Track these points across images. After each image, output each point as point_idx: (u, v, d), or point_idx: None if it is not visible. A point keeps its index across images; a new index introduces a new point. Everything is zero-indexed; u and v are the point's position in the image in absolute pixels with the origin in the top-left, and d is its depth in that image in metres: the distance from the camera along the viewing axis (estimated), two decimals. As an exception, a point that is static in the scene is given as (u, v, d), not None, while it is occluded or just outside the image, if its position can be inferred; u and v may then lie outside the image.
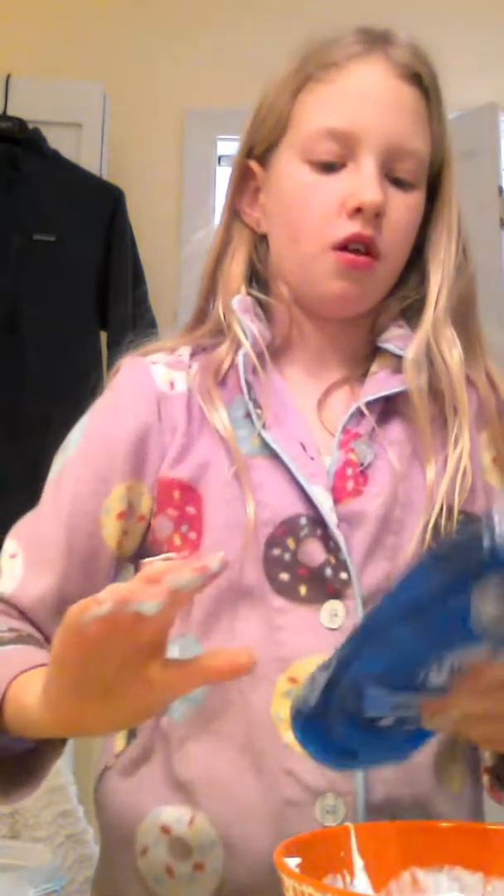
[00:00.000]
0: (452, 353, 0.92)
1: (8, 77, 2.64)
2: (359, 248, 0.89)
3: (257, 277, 0.98)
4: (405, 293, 0.96)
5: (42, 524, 0.91)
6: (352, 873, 0.58)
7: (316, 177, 0.90)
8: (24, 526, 0.93)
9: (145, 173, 2.79)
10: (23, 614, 0.88)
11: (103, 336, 2.58)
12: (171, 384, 0.94)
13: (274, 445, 0.88)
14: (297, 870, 0.53)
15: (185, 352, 0.97)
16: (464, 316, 0.96)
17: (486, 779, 0.91)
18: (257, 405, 0.90)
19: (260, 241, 0.98)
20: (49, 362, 2.48)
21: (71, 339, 2.53)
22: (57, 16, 2.85)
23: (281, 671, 0.84)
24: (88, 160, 2.67)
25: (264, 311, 0.96)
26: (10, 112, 2.60)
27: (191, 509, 0.89)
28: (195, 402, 0.92)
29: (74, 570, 0.89)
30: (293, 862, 0.53)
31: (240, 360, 0.92)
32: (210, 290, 1.00)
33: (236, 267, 0.98)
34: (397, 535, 0.88)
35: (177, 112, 2.86)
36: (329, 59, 0.93)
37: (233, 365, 0.93)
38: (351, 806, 0.80)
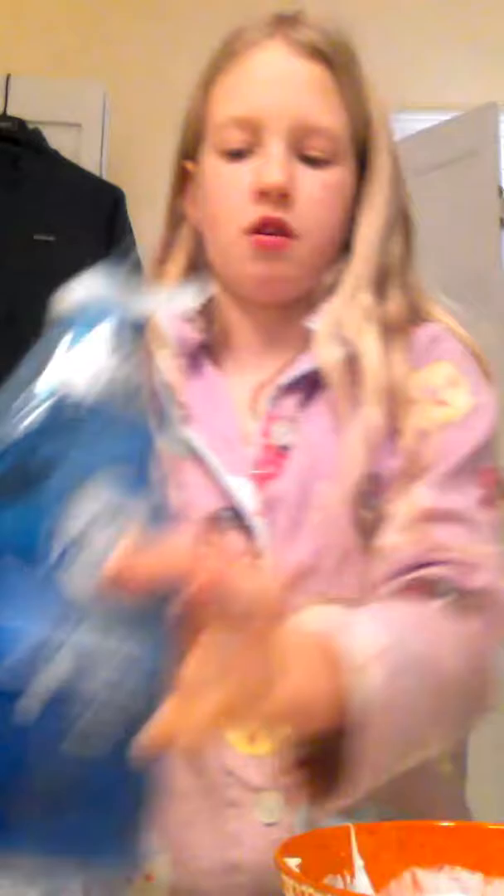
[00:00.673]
0: (366, 325, 0.90)
1: (8, 77, 2.64)
2: (270, 230, 0.89)
3: (198, 276, 0.98)
4: (336, 272, 0.93)
5: None
6: (352, 873, 0.58)
7: (227, 166, 0.91)
8: None
9: (145, 173, 2.79)
10: None
11: (103, 336, 2.58)
12: None
13: (194, 442, 0.88)
14: (297, 870, 0.52)
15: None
16: (383, 287, 0.92)
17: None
18: (178, 406, 0.91)
19: (201, 239, 0.98)
20: (49, 362, 2.48)
21: (71, 339, 2.53)
22: (57, 16, 2.85)
23: None
24: (88, 160, 2.68)
25: (204, 312, 0.97)
26: (10, 112, 2.60)
27: None
28: None
29: None
30: (293, 862, 0.53)
31: (163, 362, 0.92)
32: None
33: (174, 268, 0.98)
34: (324, 510, 0.86)
35: (177, 112, 2.85)
36: (231, 49, 0.95)
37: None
38: (294, 803, 0.78)
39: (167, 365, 0.92)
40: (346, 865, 0.58)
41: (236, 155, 0.91)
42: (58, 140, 2.62)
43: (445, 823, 0.63)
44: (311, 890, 0.49)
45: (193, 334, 0.95)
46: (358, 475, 0.86)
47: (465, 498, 0.85)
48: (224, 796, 0.80)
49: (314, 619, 0.69)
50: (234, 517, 0.86)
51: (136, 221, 2.63)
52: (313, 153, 0.90)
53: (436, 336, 0.92)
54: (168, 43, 2.87)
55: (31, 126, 2.58)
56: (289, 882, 0.51)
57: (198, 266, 0.98)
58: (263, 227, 0.89)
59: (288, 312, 0.94)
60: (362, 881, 0.58)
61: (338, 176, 0.92)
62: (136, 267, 2.89)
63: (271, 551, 0.84)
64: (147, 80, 2.85)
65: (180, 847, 0.81)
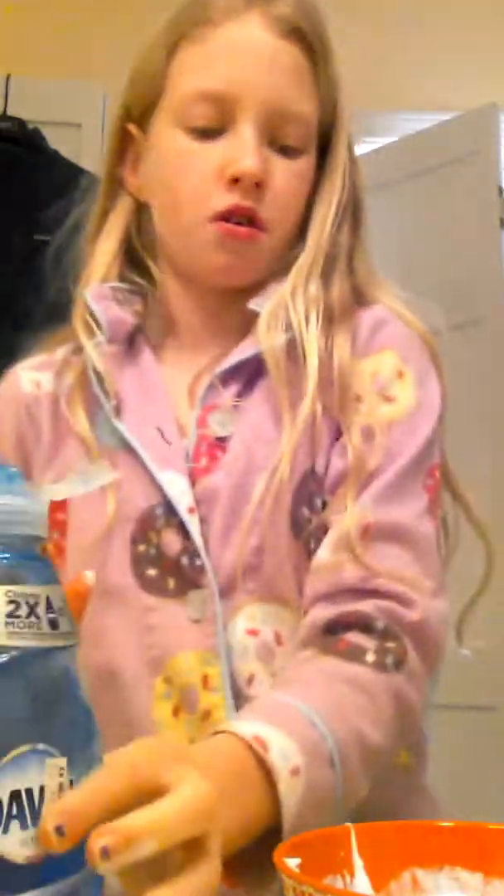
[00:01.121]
0: (311, 311, 0.86)
1: (8, 77, 2.64)
2: (240, 219, 0.84)
3: (135, 253, 0.94)
4: (290, 258, 0.89)
5: None
6: (352, 873, 0.58)
7: (192, 144, 0.85)
8: None
9: (145, 173, 2.80)
10: None
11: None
12: (38, 385, 0.92)
13: (126, 435, 0.84)
14: (297, 870, 0.52)
15: (66, 349, 0.94)
16: (329, 274, 0.89)
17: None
18: (112, 396, 0.87)
19: (141, 211, 0.93)
20: (49, 362, 2.48)
21: (71, 339, 2.53)
22: (57, 16, 2.86)
23: (157, 673, 0.81)
24: (88, 160, 2.67)
25: (140, 294, 0.92)
26: (10, 112, 2.60)
27: (60, 515, 0.86)
28: (62, 401, 0.90)
29: None
30: (293, 862, 0.53)
31: (87, 351, 0.89)
32: (82, 272, 0.96)
33: (109, 245, 0.93)
34: (259, 505, 0.81)
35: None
36: (203, 16, 0.86)
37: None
38: None
39: (99, 352, 0.88)
40: (346, 865, 0.58)
41: (203, 133, 0.85)
42: (58, 140, 2.61)
43: (445, 823, 0.63)
44: (311, 890, 0.49)
45: (128, 317, 0.90)
46: (297, 471, 0.82)
47: (409, 510, 0.82)
48: None
49: (238, 729, 0.65)
50: (167, 514, 0.83)
51: (136, 221, 2.63)
52: (288, 142, 0.86)
53: (380, 320, 0.89)
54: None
55: (31, 126, 2.58)
56: (289, 882, 0.51)
57: (132, 241, 0.93)
58: (232, 216, 0.84)
59: (234, 296, 0.90)
60: (362, 881, 0.58)
61: (306, 166, 0.88)
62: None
63: (206, 550, 0.81)
64: (147, 80, 2.85)
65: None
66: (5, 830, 0.44)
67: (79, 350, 0.93)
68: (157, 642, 0.82)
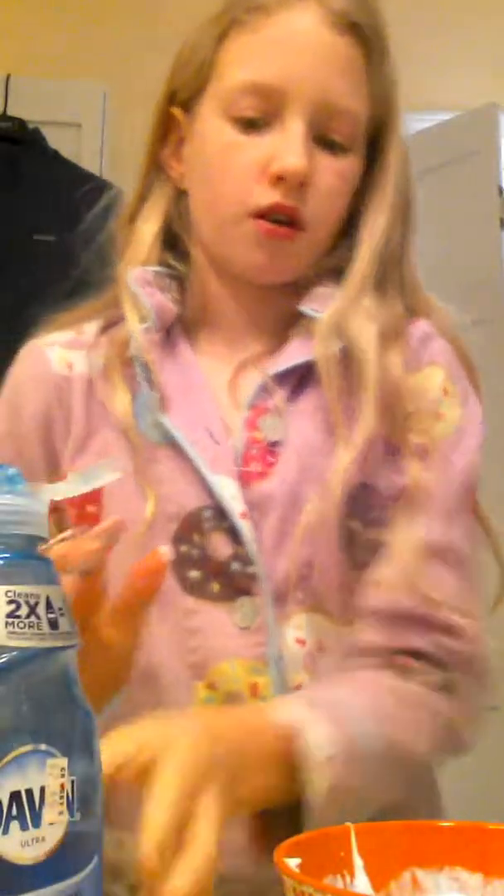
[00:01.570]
0: (368, 325, 0.84)
1: (8, 77, 2.64)
2: (280, 217, 0.82)
3: (174, 238, 0.90)
4: (335, 259, 0.88)
5: None
6: (352, 873, 0.58)
7: (237, 136, 0.83)
8: None
9: (145, 173, 2.80)
10: None
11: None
12: (70, 366, 0.88)
13: (174, 433, 0.82)
14: (296, 870, 0.52)
15: (92, 328, 0.90)
16: (383, 284, 0.87)
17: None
18: (157, 388, 0.83)
19: (181, 197, 0.90)
20: (49, 362, 2.48)
21: (71, 339, 2.53)
22: (57, 16, 2.85)
23: (198, 678, 0.79)
24: (88, 160, 2.68)
25: (179, 280, 0.89)
26: (10, 112, 2.61)
27: (91, 508, 0.83)
28: (97, 385, 0.86)
29: None
30: (293, 862, 0.53)
31: (137, 338, 0.84)
32: (121, 254, 0.92)
33: (149, 227, 0.90)
34: (311, 515, 0.81)
35: (177, 112, 2.85)
36: (258, 3, 0.83)
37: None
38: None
39: (145, 340, 0.84)
40: (346, 865, 0.58)
41: (249, 124, 0.82)
42: (58, 140, 2.62)
43: (445, 823, 0.63)
44: (311, 890, 0.49)
45: (170, 306, 0.87)
46: (350, 484, 0.81)
47: (460, 531, 0.83)
48: None
49: (279, 711, 0.68)
50: (216, 517, 0.81)
51: (136, 221, 2.63)
52: (333, 137, 0.83)
53: (426, 335, 0.88)
54: (168, 43, 2.86)
55: (31, 126, 2.59)
56: (289, 882, 0.51)
57: (173, 227, 0.90)
58: (272, 213, 0.82)
59: (272, 293, 0.88)
60: (362, 881, 0.58)
61: (352, 165, 0.85)
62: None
63: (259, 557, 0.80)
64: (147, 80, 2.85)
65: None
66: (5, 831, 0.44)
67: (107, 329, 0.89)
68: (200, 646, 0.80)
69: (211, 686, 0.80)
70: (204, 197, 0.87)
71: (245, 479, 0.81)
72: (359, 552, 0.82)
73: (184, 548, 0.81)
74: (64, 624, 0.48)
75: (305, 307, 0.86)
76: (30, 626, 0.46)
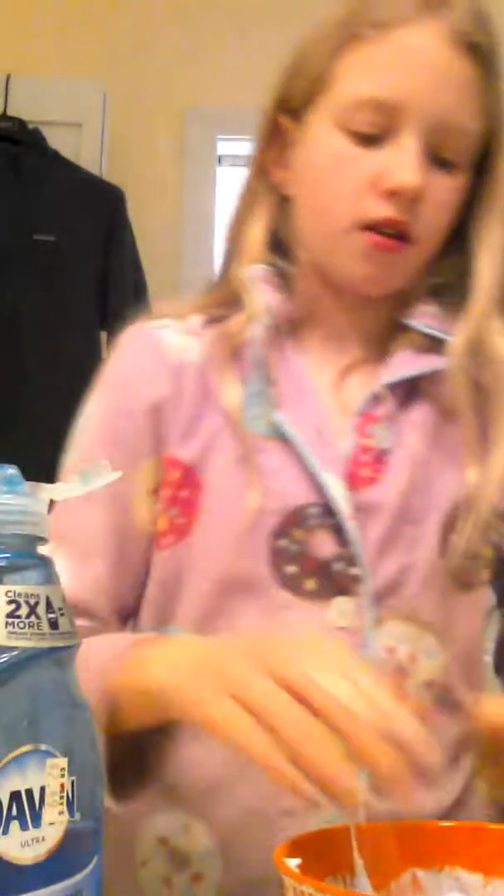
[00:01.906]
0: (497, 352, 0.85)
1: (8, 77, 2.64)
2: (390, 231, 0.83)
3: (279, 242, 0.91)
4: (440, 274, 0.89)
5: (77, 513, 0.82)
6: (352, 874, 0.58)
7: (352, 148, 0.83)
8: (55, 516, 0.85)
9: (145, 173, 2.79)
10: (83, 612, 0.81)
11: (103, 336, 2.58)
12: (183, 353, 0.88)
13: (286, 428, 0.83)
14: (296, 870, 0.53)
15: (197, 320, 0.91)
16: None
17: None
18: (270, 383, 0.85)
19: (284, 202, 0.90)
20: (48, 362, 2.48)
21: (71, 338, 2.53)
22: (57, 16, 2.85)
23: None
24: (88, 160, 2.68)
25: (285, 280, 0.90)
26: (10, 112, 2.60)
27: (184, 493, 0.84)
28: (207, 374, 0.86)
29: (120, 553, 0.84)
30: (293, 862, 0.53)
31: (254, 334, 0.86)
32: (231, 254, 0.92)
33: (257, 230, 0.90)
34: (416, 525, 0.83)
35: (177, 111, 2.86)
36: (378, 18, 0.83)
37: (248, 338, 0.87)
38: (352, 818, 0.78)
39: (262, 336, 0.86)
40: (346, 866, 0.58)
41: (363, 138, 0.82)
42: (58, 140, 2.61)
43: (445, 823, 0.63)
44: (310, 890, 0.49)
45: (282, 305, 0.88)
46: (449, 498, 0.84)
47: None
48: (279, 805, 0.76)
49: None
50: (322, 515, 0.81)
51: (136, 221, 2.63)
52: (447, 155, 0.83)
53: None
54: (168, 43, 2.86)
55: (31, 126, 2.58)
56: (289, 882, 0.51)
57: (278, 233, 0.91)
58: (382, 227, 0.82)
59: (373, 302, 0.89)
60: (362, 881, 0.58)
61: (463, 182, 0.85)
62: (135, 266, 2.89)
63: (365, 560, 0.81)
64: (147, 80, 2.85)
65: (233, 850, 0.79)
66: (5, 831, 0.44)
67: (212, 321, 0.90)
68: None
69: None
70: (312, 205, 0.88)
71: (353, 483, 0.82)
72: (464, 569, 0.84)
73: (282, 542, 0.81)
74: (64, 624, 0.48)
75: (415, 322, 0.87)
76: (30, 626, 0.46)
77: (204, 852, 0.80)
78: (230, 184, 2.98)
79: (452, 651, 0.84)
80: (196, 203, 2.82)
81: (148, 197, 2.74)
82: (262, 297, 0.87)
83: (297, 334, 0.90)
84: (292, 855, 0.54)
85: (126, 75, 2.82)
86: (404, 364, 0.86)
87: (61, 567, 0.81)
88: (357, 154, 0.83)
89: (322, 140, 0.85)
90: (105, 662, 0.69)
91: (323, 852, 0.57)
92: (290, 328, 0.89)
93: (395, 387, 0.86)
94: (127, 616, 0.87)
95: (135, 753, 0.70)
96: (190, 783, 0.80)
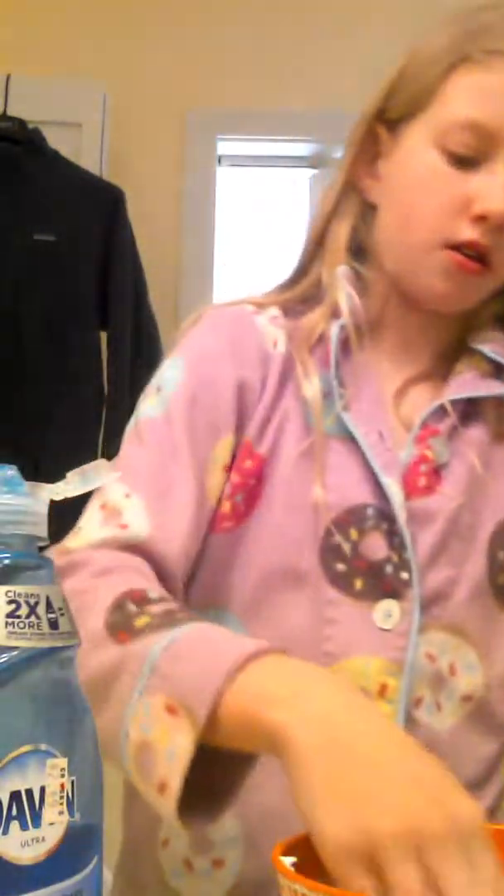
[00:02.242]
0: None
1: (8, 77, 2.64)
2: (472, 253, 0.85)
3: (357, 246, 0.93)
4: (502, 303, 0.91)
5: (162, 464, 0.82)
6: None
7: (446, 168, 0.84)
8: (129, 464, 0.83)
9: (145, 173, 2.79)
10: (155, 564, 0.78)
11: (103, 336, 2.58)
12: (275, 343, 0.89)
13: (353, 429, 0.84)
14: (291, 868, 0.53)
15: (275, 312, 0.92)
16: None
17: None
18: (341, 383, 0.86)
19: (368, 209, 0.92)
20: (49, 362, 2.48)
21: (71, 339, 2.53)
22: (57, 16, 2.85)
23: (325, 666, 0.80)
24: (88, 160, 2.68)
25: (361, 283, 0.92)
26: (10, 112, 2.60)
27: (252, 481, 0.85)
28: (288, 367, 0.88)
29: (196, 519, 0.82)
30: (288, 861, 0.54)
31: (333, 332, 0.87)
32: (314, 252, 0.94)
33: (342, 231, 0.92)
34: (465, 541, 0.85)
35: (177, 112, 2.86)
36: (493, 45, 0.85)
37: (323, 336, 0.88)
38: None
39: (338, 336, 0.87)
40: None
41: (460, 159, 0.84)
42: (58, 140, 2.61)
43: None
44: (303, 889, 0.49)
45: (360, 307, 0.90)
46: (501, 513, 0.85)
47: None
48: None
49: None
50: (378, 517, 0.83)
51: (136, 221, 2.63)
52: None
53: None
54: (168, 43, 2.86)
55: (31, 126, 2.58)
56: (283, 882, 0.51)
57: (356, 237, 0.92)
58: (467, 248, 0.84)
59: (442, 319, 0.92)
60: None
61: None
62: (135, 266, 2.89)
63: (416, 566, 0.82)
64: (147, 80, 2.85)
65: (258, 839, 0.79)
66: (5, 831, 0.44)
67: (290, 314, 0.91)
68: (336, 637, 0.81)
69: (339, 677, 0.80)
70: (397, 216, 0.89)
71: (409, 491, 0.84)
72: None
73: (335, 539, 0.83)
74: (64, 624, 0.48)
75: (483, 347, 0.90)
76: (30, 626, 0.46)
77: (228, 839, 0.80)
78: (230, 184, 2.98)
79: (494, 669, 0.85)
80: (196, 203, 2.82)
81: (148, 197, 2.74)
82: (349, 297, 0.88)
83: (370, 338, 0.91)
84: (289, 854, 0.54)
85: (126, 75, 2.82)
86: (470, 384, 0.89)
87: (138, 508, 0.79)
88: (450, 174, 0.84)
89: (417, 155, 0.87)
90: (209, 669, 0.62)
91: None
92: (364, 331, 0.90)
93: (454, 404, 0.88)
94: (185, 583, 0.85)
95: (224, 770, 0.66)
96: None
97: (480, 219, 0.83)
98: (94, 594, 0.70)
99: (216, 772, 0.64)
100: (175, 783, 0.60)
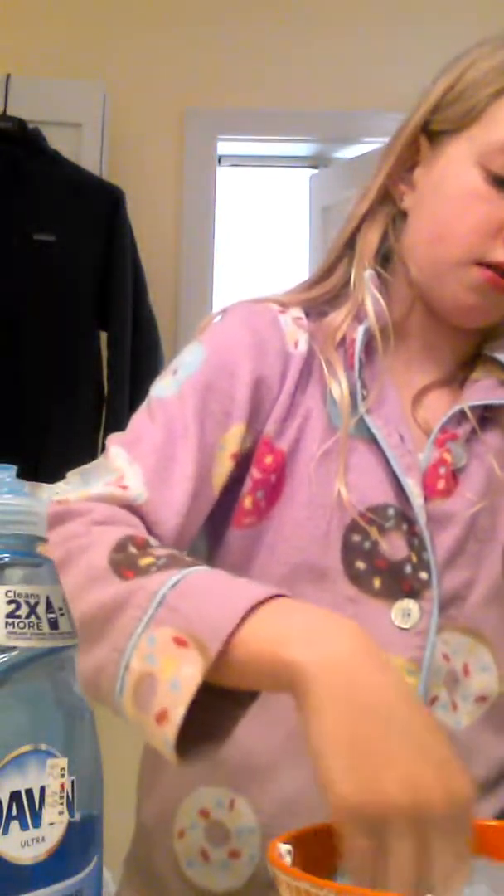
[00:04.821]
0: None
1: (8, 77, 2.64)
2: (501, 271, 0.86)
3: (384, 253, 0.94)
4: None
5: (168, 442, 0.82)
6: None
7: (486, 187, 0.86)
8: (136, 436, 0.84)
9: (145, 173, 2.79)
10: (150, 530, 0.78)
11: (103, 336, 2.58)
12: (296, 343, 0.90)
13: (375, 430, 0.85)
14: (288, 857, 0.53)
15: (298, 313, 0.93)
16: None
17: None
18: (364, 385, 0.87)
19: (399, 215, 0.93)
20: (49, 362, 2.48)
21: (71, 339, 2.53)
22: (57, 16, 2.85)
23: None
24: (88, 160, 2.68)
25: (386, 288, 0.93)
26: (10, 112, 2.60)
27: (273, 478, 0.86)
28: (309, 366, 0.89)
29: (193, 500, 0.81)
30: (284, 848, 0.54)
31: (359, 334, 0.88)
32: (342, 253, 0.95)
33: (374, 236, 0.93)
34: (482, 543, 0.86)
35: (176, 112, 2.86)
36: None
37: (345, 337, 0.89)
38: None
39: (363, 339, 0.88)
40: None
41: (500, 181, 0.85)
42: (58, 140, 2.61)
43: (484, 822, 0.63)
44: (308, 886, 0.49)
45: (384, 313, 0.91)
46: None
47: None
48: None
49: None
50: (398, 517, 0.84)
51: (136, 221, 2.63)
52: None
53: None
54: (168, 43, 2.87)
55: (31, 126, 2.58)
56: (281, 877, 0.51)
57: (385, 246, 0.93)
58: (498, 268, 0.85)
59: (461, 331, 0.93)
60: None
61: None
62: (135, 266, 2.89)
63: (435, 567, 0.83)
64: (147, 80, 2.85)
65: (276, 830, 0.77)
66: (5, 831, 0.44)
67: (314, 314, 0.92)
68: None
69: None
70: (430, 229, 0.90)
71: (429, 493, 0.86)
72: None
73: (356, 537, 0.84)
74: (64, 624, 0.48)
75: (500, 355, 0.91)
76: (30, 626, 0.46)
77: (245, 829, 0.81)
78: (230, 184, 2.98)
79: None
80: (196, 203, 2.82)
81: (148, 197, 2.74)
82: (375, 300, 0.89)
83: (388, 344, 0.92)
84: (285, 841, 0.55)
85: (126, 75, 2.82)
86: (489, 391, 0.90)
87: (137, 475, 0.79)
88: (490, 194, 0.85)
89: (459, 172, 0.87)
90: (222, 605, 0.63)
91: (322, 847, 0.57)
92: (387, 335, 0.91)
93: (472, 410, 0.89)
94: None
95: (216, 712, 0.66)
96: (240, 760, 0.80)
97: None
98: (93, 537, 0.71)
99: (209, 714, 0.64)
100: (178, 712, 0.60)
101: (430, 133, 0.91)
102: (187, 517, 0.80)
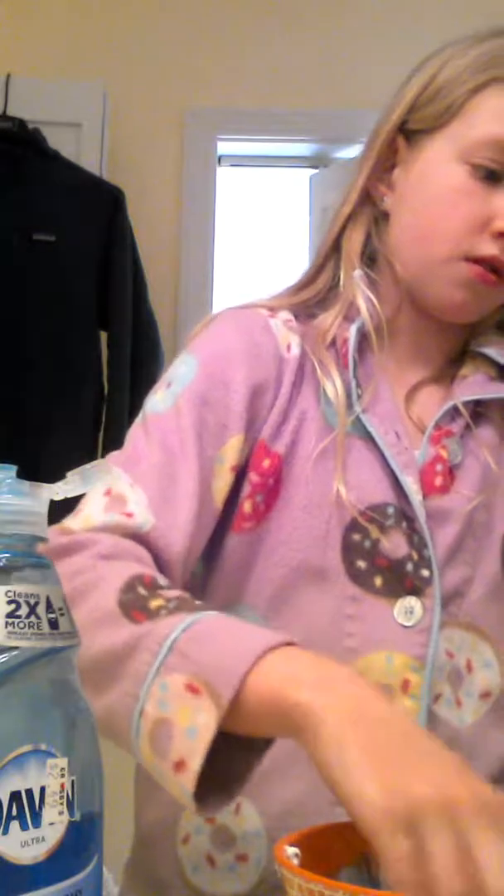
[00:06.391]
0: None
1: (8, 77, 2.64)
2: (490, 267, 0.86)
3: (370, 253, 0.94)
4: None
5: (167, 461, 0.81)
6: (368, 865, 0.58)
7: (472, 183, 0.86)
8: (135, 455, 0.83)
9: (145, 173, 2.79)
10: (156, 558, 0.77)
11: (103, 336, 2.58)
12: (288, 347, 0.89)
13: (371, 428, 0.85)
14: (295, 859, 0.53)
15: (287, 314, 0.93)
16: None
17: None
18: (359, 384, 0.87)
19: (381, 216, 0.93)
20: (49, 362, 2.48)
21: (71, 339, 2.53)
22: (57, 16, 2.85)
23: (347, 661, 0.80)
24: (88, 160, 2.67)
25: (374, 288, 0.92)
26: (10, 112, 2.60)
27: (271, 481, 0.85)
28: (302, 369, 0.89)
29: (199, 518, 0.81)
30: (291, 850, 0.54)
31: (352, 334, 0.88)
32: (329, 254, 0.95)
33: (358, 237, 0.93)
34: (479, 539, 0.86)
35: (177, 112, 2.86)
36: None
37: (338, 337, 0.89)
38: None
39: (356, 337, 0.88)
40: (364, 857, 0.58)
41: (486, 175, 0.86)
42: (58, 140, 2.61)
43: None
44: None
45: (377, 311, 0.91)
46: None
47: None
48: (329, 796, 0.73)
49: None
50: (397, 515, 0.84)
51: (136, 221, 2.63)
52: None
53: None
54: (168, 43, 2.87)
55: (31, 126, 2.58)
56: (293, 878, 0.51)
57: (370, 247, 0.93)
58: (487, 263, 0.86)
59: (450, 326, 0.93)
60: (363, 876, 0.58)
61: None
62: (135, 266, 2.89)
63: (436, 564, 0.83)
64: (147, 80, 2.85)
65: (282, 834, 0.77)
66: (5, 831, 0.44)
67: (303, 316, 0.92)
68: (358, 633, 0.83)
69: (359, 673, 0.80)
70: (414, 228, 0.90)
71: (426, 490, 0.86)
72: None
73: (356, 536, 0.84)
74: (64, 624, 0.48)
75: (488, 350, 0.91)
76: (30, 626, 0.46)
77: (251, 833, 0.81)
78: (230, 184, 2.98)
79: None
80: (196, 203, 2.82)
81: (148, 197, 2.74)
82: (367, 299, 0.90)
83: (383, 342, 0.91)
84: (293, 844, 0.55)
85: (126, 75, 2.82)
86: (477, 386, 0.90)
87: (141, 498, 0.78)
88: (475, 189, 0.86)
89: (441, 170, 0.88)
90: (233, 652, 0.63)
91: (337, 844, 0.57)
92: (382, 334, 0.91)
93: (465, 405, 0.89)
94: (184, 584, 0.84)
95: (231, 760, 0.66)
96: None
97: (502, 235, 0.85)
98: (99, 574, 0.71)
99: (223, 761, 0.64)
100: (195, 761, 0.60)
101: (407, 133, 0.91)
102: (193, 537, 0.80)
